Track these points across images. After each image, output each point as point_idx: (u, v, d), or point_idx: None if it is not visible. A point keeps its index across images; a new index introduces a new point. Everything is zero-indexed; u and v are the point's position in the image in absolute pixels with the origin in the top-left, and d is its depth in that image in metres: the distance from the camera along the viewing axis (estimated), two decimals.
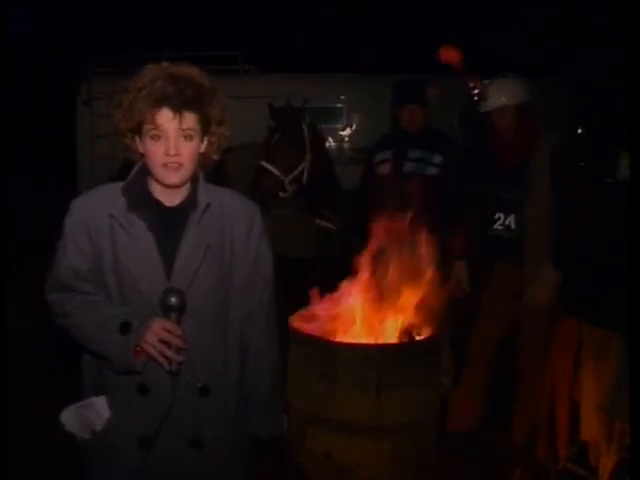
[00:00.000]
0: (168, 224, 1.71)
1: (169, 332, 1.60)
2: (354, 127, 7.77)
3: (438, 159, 3.80)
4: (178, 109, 1.58)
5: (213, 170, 1.80)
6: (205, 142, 1.69)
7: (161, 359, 1.62)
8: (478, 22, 12.79)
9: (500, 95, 3.29)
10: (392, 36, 13.59)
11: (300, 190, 3.92)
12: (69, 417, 1.76)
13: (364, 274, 3.11)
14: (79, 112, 7.64)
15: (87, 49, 7.94)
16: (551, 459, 3.20)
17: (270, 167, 3.81)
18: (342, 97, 7.75)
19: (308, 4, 13.13)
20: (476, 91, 3.38)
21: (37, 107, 11.03)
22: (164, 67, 1.64)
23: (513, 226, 3.28)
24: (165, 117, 1.59)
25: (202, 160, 1.72)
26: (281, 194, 3.88)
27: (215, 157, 1.75)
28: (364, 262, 3.14)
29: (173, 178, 1.65)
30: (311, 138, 3.94)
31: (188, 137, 1.62)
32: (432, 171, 3.79)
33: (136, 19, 13.12)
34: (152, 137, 1.61)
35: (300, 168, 3.88)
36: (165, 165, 1.62)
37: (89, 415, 1.74)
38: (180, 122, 1.59)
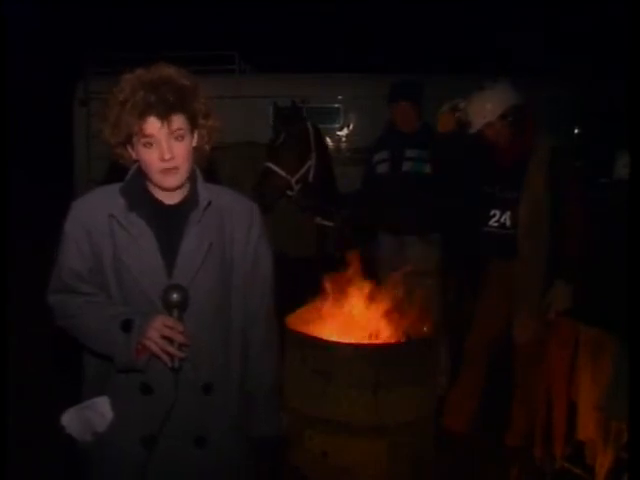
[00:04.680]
0: (168, 222, 1.72)
1: (171, 328, 1.61)
2: (351, 127, 7.76)
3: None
4: (164, 115, 1.60)
5: (205, 167, 1.81)
6: (195, 136, 1.71)
7: (163, 356, 1.62)
8: (477, 22, 12.81)
9: (481, 113, 3.18)
10: (391, 36, 13.61)
11: (306, 188, 3.92)
12: (70, 419, 1.75)
13: (359, 273, 3.13)
14: (76, 112, 7.63)
15: (84, 49, 7.93)
16: (548, 458, 3.21)
17: (276, 168, 3.80)
18: (339, 97, 7.74)
19: (306, 4, 13.13)
20: (457, 114, 3.20)
21: (34, 107, 11.01)
22: (141, 75, 1.64)
23: (508, 224, 3.28)
24: (153, 126, 1.60)
25: (196, 154, 1.73)
26: (289, 192, 3.89)
27: (207, 148, 1.76)
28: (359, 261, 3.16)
29: (172, 181, 1.67)
30: (315, 137, 3.95)
31: (179, 137, 1.64)
32: (430, 169, 3.79)
33: (134, 19, 13.12)
34: (144, 145, 1.63)
35: (306, 167, 3.88)
36: (162, 170, 1.64)
37: (91, 417, 1.73)
38: (169, 126, 1.61)
